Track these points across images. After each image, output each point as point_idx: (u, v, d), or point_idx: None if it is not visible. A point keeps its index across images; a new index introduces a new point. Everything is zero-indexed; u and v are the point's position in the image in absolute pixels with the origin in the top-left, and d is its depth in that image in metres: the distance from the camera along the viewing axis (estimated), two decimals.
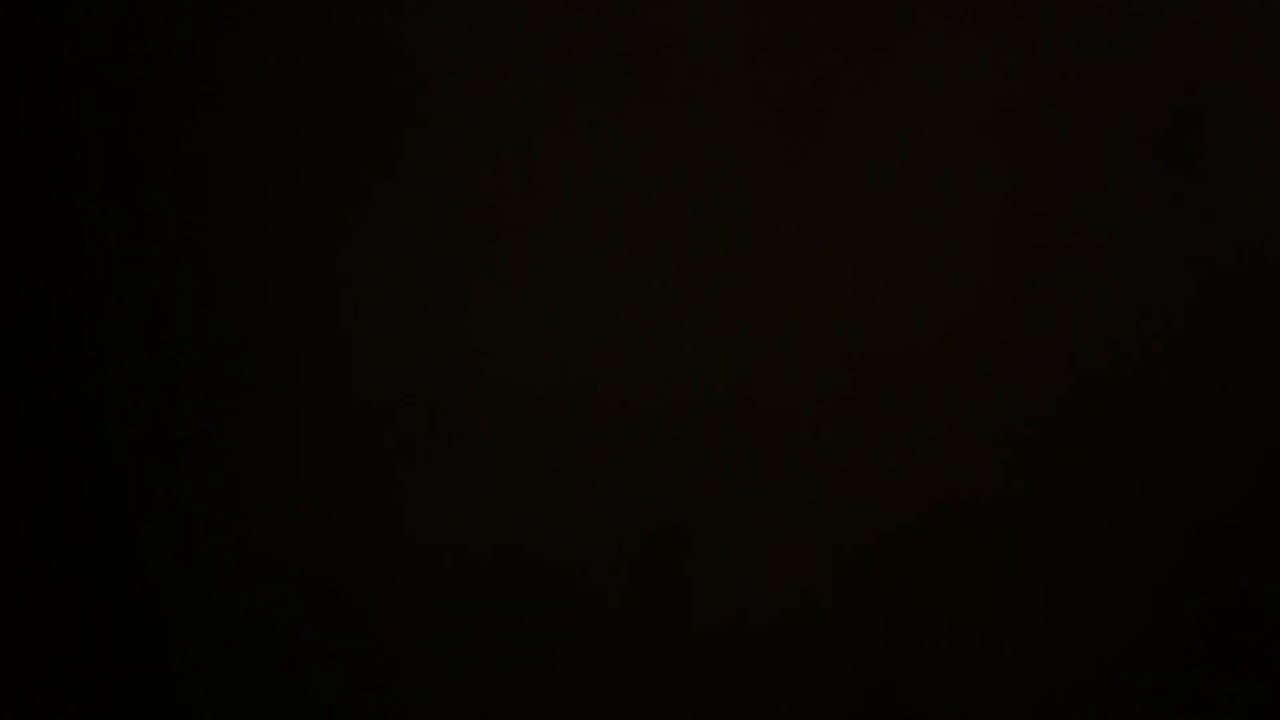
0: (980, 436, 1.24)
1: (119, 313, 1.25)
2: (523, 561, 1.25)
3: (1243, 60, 1.24)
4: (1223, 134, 1.23)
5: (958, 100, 1.24)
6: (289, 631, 1.25)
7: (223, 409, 1.25)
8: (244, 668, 1.25)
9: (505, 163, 1.25)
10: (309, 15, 1.25)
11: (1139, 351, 1.24)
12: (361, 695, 1.25)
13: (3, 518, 1.25)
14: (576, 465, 1.24)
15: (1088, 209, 1.24)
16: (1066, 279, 1.24)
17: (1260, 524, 1.24)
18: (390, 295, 1.25)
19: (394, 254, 1.25)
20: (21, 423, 1.25)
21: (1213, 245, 1.23)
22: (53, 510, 1.25)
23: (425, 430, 1.25)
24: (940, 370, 1.24)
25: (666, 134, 1.25)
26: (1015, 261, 1.24)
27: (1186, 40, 1.24)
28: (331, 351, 1.25)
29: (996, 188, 1.24)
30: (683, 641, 1.24)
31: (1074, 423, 1.24)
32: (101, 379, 1.25)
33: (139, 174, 1.26)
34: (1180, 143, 1.24)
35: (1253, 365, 1.24)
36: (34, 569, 1.25)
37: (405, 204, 1.25)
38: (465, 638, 1.25)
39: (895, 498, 1.24)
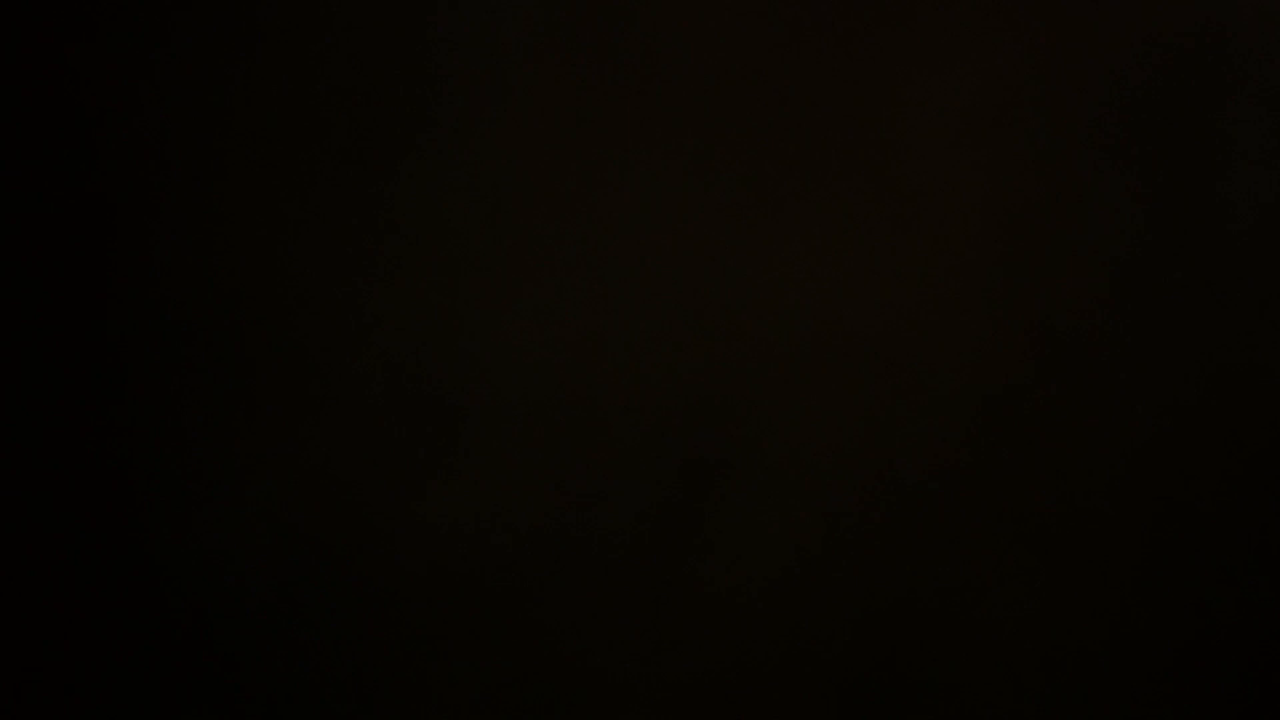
0: (984, 432, 1.24)
1: (138, 306, 1.24)
2: (529, 549, 1.24)
3: (1245, 58, 1.23)
4: (1224, 131, 1.23)
5: (960, 96, 1.23)
6: (302, 614, 1.24)
7: (235, 403, 1.24)
8: (256, 654, 1.25)
9: (507, 163, 1.24)
10: (313, 17, 1.23)
11: (1142, 349, 1.24)
12: (374, 677, 1.25)
13: (14, 506, 1.24)
14: (582, 454, 1.24)
15: (1091, 207, 1.24)
16: (1070, 276, 1.23)
17: (1259, 517, 1.25)
18: (398, 288, 1.24)
19: (404, 246, 1.24)
20: (37, 410, 1.24)
21: (1215, 243, 1.23)
22: (67, 495, 1.24)
23: (434, 422, 1.24)
24: (942, 365, 1.23)
25: (668, 133, 1.23)
26: (1018, 259, 1.23)
27: (1188, 37, 1.23)
28: (343, 345, 1.24)
29: (999, 185, 1.23)
30: (687, 628, 1.24)
31: (1076, 418, 1.24)
32: (122, 369, 1.24)
33: (153, 173, 1.24)
34: (1183, 139, 1.23)
35: (1256, 364, 1.24)
36: (47, 554, 1.24)
37: (408, 203, 1.24)
38: (472, 622, 1.24)
39: (896, 494, 1.24)
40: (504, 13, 1.23)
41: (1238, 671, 1.25)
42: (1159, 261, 1.24)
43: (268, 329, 1.24)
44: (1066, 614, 1.24)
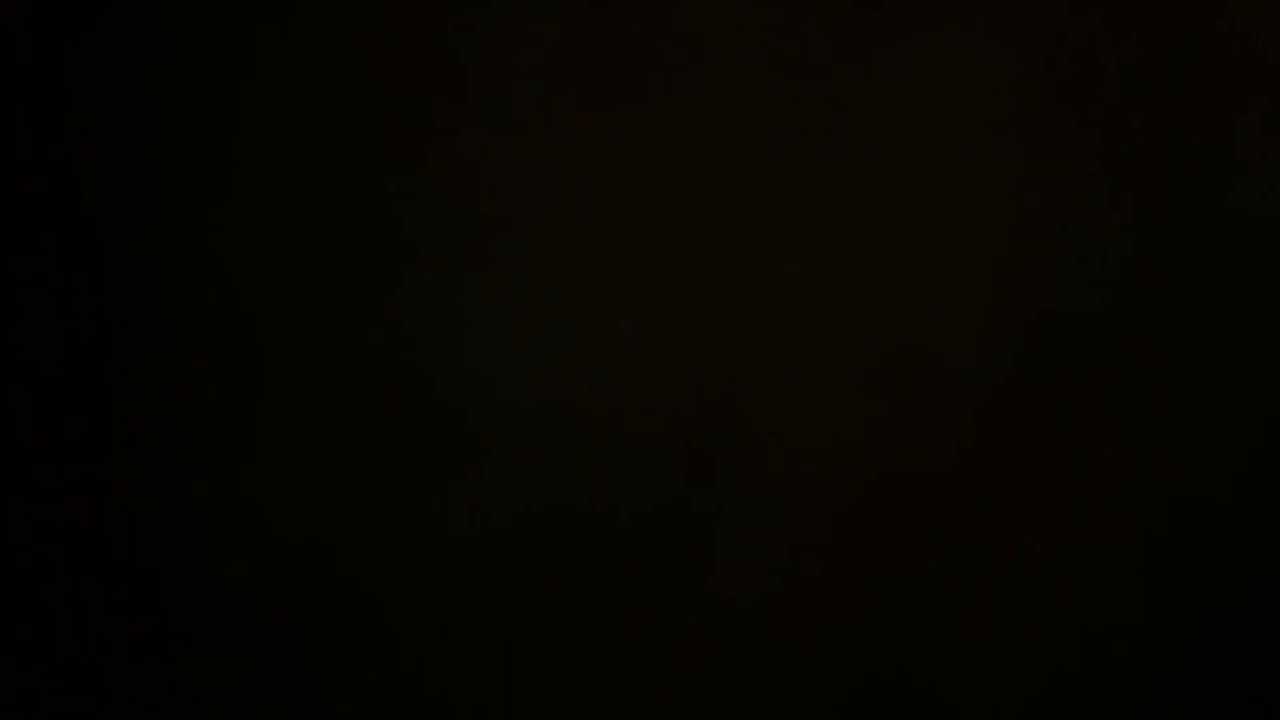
0: (986, 428, 1.23)
1: (140, 306, 1.25)
2: (534, 549, 1.24)
3: (1247, 58, 1.23)
4: (1226, 130, 1.23)
5: (959, 97, 1.24)
6: (308, 616, 1.24)
7: (245, 407, 1.24)
8: (257, 655, 1.25)
9: (510, 163, 1.24)
10: (317, 13, 1.25)
11: (1143, 347, 1.23)
12: (382, 677, 1.24)
13: (18, 503, 1.24)
14: (589, 454, 1.24)
15: (1096, 204, 1.24)
16: (1076, 274, 1.23)
17: (1260, 511, 1.23)
18: (406, 291, 1.25)
19: (412, 250, 1.24)
20: (42, 407, 1.25)
21: (1216, 240, 1.23)
22: (69, 498, 1.25)
23: (441, 424, 1.24)
24: (943, 362, 1.23)
25: (672, 133, 1.24)
26: (1019, 256, 1.23)
27: (1191, 37, 1.24)
28: (352, 348, 1.25)
29: (1006, 184, 1.24)
30: (679, 654, 1.24)
31: (1078, 413, 1.23)
32: (130, 371, 1.25)
33: (165, 174, 1.26)
34: (1184, 138, 1.23)
35: (1256, 361, 1.23)
36: (51, 557, 1.25)
37: (417, 207, 1.25)
38: (480, 624, 1.24)
39: (899, 506, 1.23)
40: (515, 20, 1.25)
41: (1241, 671, 1.23)
42: (1160, 259, 1.24)
43: (277, 332, 1.25)
44: (1070, 610, 1.24)
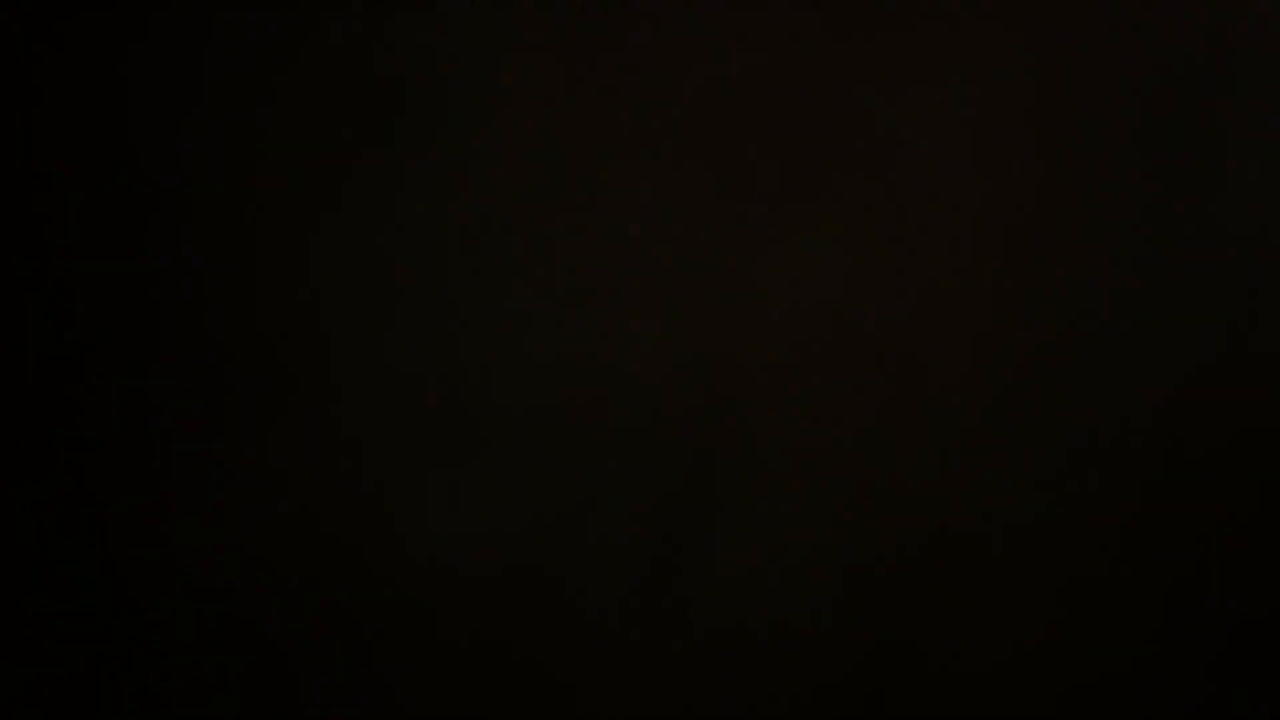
0: (987, 445, 1.24)
1: (102, 310, 1.24)
2: (516, 573, 1.24)
3: (1246, 59, 1.25)
4: (1225, 133, 1.24)
5: (960, 99, 1.25)
6: (279, 641, 1.24)
7: (210, 412, 1.24)
8: (232, 678, 1.25)
9: (512, 165, 1.25)
10: (295, 6, 1.25)
11: (1143, 351, 1.25)
12: (354, 707, 1.25)
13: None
14: (574, 472, 1.24)
15: (1091, 208, 1.25)
16: (1071, 278, 1.25)
17: (1262, 517, 1.25)
18: (381, 298, 1.25)
19: (384, 254, 1.25)
20: (32, 409, 1.24)
21: (1219, 245, 1.25)
22: (31, 511, 1.24)
23: (417, 436, 1.24)
24: (946, 375, 1.24)
25: (670, 138, 1.25)
26: (1018, 260, 1.24)
27: (1189, 39, 1.25)
28: (319, 357, 1.25)
29: (1000, 188, 1.25)
30: (681, 654, 1.24)
31: (1078, 421, 1.24)
32: (84, 377, 1.24)
33: (121, 168, 1.25)
34: (1183, 141, 1.25)
35: (1256, 362, 1.25)
36: (8, 569, 1.24)
37: (397, 203, 1.25)
38: (457, 651, 1.24)
39: (898, 507, 1.24)
40: (505, 18, 1.25)
41: (1244, 686, 1.24)
42: (1159, 262, 1.25)
43: (240, 338, 1.25)
44: (1067, 618, 1.25)
